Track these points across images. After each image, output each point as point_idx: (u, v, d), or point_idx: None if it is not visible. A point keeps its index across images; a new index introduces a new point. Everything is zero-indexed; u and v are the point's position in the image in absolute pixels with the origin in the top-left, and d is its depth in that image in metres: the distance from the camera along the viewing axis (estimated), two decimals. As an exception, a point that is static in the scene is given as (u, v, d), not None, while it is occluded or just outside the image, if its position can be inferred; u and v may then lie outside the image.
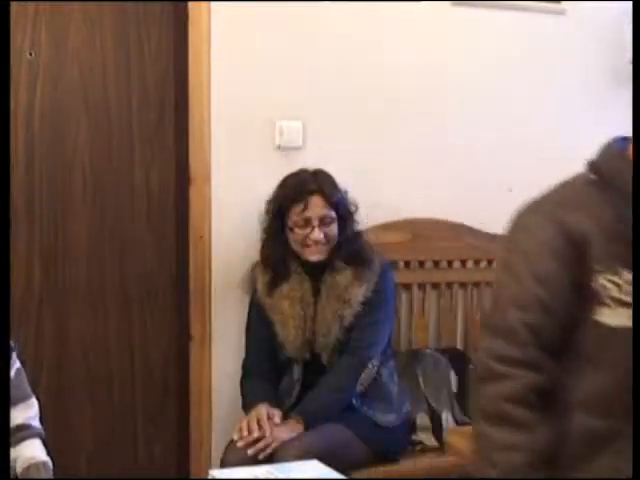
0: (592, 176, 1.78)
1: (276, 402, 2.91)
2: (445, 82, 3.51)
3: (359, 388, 2.91)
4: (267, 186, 3.09)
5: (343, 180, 3.20)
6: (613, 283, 1.65)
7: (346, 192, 3.03)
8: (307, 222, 2.93)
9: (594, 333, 1.65)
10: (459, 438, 2.56)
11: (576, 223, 1.68)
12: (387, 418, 2.94)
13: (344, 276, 2.94)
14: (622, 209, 1.67)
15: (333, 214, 2.97)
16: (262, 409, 2.83)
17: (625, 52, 3.54)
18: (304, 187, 2.96)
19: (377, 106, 3.41)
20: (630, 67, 3.46)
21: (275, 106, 3.27)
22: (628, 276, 1.63)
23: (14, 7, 2.96)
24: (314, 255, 2.94)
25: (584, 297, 1.65)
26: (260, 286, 3.01)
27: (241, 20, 3.21)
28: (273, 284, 2.98)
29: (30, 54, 3.09)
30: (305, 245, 2.94)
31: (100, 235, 3.20)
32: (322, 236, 2.93)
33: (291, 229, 2.95)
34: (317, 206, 2.94)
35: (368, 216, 3.24)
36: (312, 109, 3.32)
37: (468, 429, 2.54)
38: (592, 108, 3.74)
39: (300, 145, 3.30)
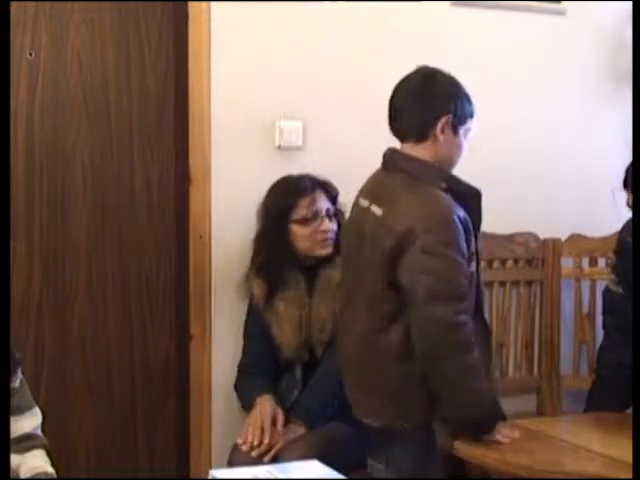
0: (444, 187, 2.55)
1: (278, 399, 2.92)
2: (445, 82, 3.51)
3: None
4: (267, 186, 3.09)
5: (343, 180, 3.20)
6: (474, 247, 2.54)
7: None
8: (315, 215, 2.95)
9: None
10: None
11: (460, 214, 2.48)
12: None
13: (338, 270, 2.94)
14: (466, 204, 2.54)
15: (334, 209, 3.00)
16: (266, 406, 2.84)
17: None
18: (307, 183, 2.99)
19: (377, 106, 3.39)
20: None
21: (275, 106, 3.27)
22: (473, 241, 2.53)
23: (14, 7, 2.96)
24: (325, 249, 2.96)
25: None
26: (256, 290, 3.01)
27: (241, 20, 3.21)
28: (269, 287, 2.98)
29: (30, 54, 3.09)
30: (314, 240, 2.94)
31: (100, 235, 3.20)
32: (329, 228, 2.94)
33: (300, 223, 2.94)
34: (323, 199, 2.99)
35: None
36: (312, 109, 3.32)
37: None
38: (592, 108, 3.74)
39: (300, 145, 3.30)
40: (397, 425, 2.57)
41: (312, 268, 2.98)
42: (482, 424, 2.49)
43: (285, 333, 2.94)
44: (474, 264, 2.57)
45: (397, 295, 2.50)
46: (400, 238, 2.46)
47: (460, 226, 2.47)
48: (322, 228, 2.94)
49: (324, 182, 3.04)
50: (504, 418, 2.56)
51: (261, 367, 3.01)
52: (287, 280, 2.97)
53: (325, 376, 2.92)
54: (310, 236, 2.94)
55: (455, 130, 2.59)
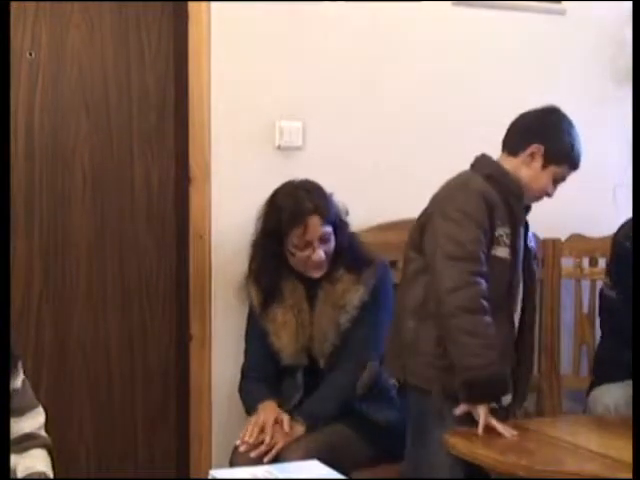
0: (487, 174, 2.68)
1: (280, 403, 2.91)
2: (445, 82, 3.51)
3: (359, 391, 2.90)
4: (267, 186, 3.08)
5: (342, 180, 3.20)
6: (504, 233, 2.63)
7: (331, 195, 2.99)
8: (308, 244, 2.90)
9: (488, 260, 2.59)
10: (459, 438, 2.55)
11: (490, 196, 2.62)
12: (387, 417, 2.94)
13: (342, 282, 2.93)
14: (506, 195, 2.67)
15: (330, 229, 2.94)
16: (270, 411, 2.84)
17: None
18: (300, 208, 2.90)
19: (377, 106, 3.41)
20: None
21: (275, 106, 3.27)
22: (507, 229, 2.64)
23: (14, 7, 2.96)
24: (317, 273, 2.94)
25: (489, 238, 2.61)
26: (253, 297, 3.00)
27: (241, 20, 3.21)
28: (264, 295, 2.97)
29: (30, 54, 3.09)
30: (306, 265, 2.92)
31: (100, 235, 3.20)
32: (323, 255, 2.92)
33: (291, 252, 2.92)
34: (316, 226, 2.90)
35: (368, 216, 3.24)
36: (312, 109, 3.32)
37: (468, 429, 2.55)
38: (592, 108, 3.74)
39: (300, 145, 3.30)
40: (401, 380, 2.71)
41: (313, 279, 2.97)
42: (476, 389, 2.51)
43: (282, 341, 2.93)
44: (505, 250, 2.64)
45: (421, 257, 2.67)
46: (431, 207, 2.69)
47: (483, 204, 2.60)
48: (314, 258, 2.91)
49: (321, 202, 2.94)
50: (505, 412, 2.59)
51: (262, 371, 3.00)
52: (283, 288, 2.96)
53: (334, 386, 2.90)
54: (303, 262, 2.93)
55: (545, 165, 2.72)
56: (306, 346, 2.94)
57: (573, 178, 3.68)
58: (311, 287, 2.97)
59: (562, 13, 3.67)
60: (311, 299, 2.96)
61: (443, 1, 3.48)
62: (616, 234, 3.08)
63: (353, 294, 2.92)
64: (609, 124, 3.77)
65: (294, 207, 2.91)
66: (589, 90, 3.75)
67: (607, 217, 3.50)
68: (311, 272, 2.95)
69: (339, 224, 2.98)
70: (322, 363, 2.94)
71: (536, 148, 2.70)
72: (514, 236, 2.67)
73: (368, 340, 2.92)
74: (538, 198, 2.80)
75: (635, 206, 3.00)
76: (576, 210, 3.68)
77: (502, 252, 2.64)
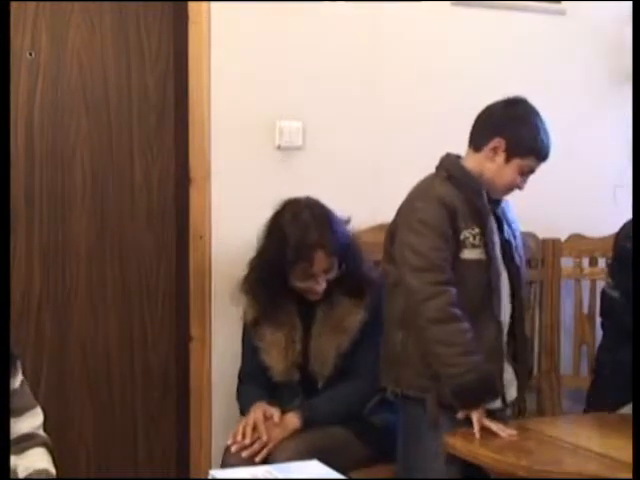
0: (447, 176, 2.69)
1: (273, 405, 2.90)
2: (445, 82, 3.51)
3: (365, 412, 2.90)
4: (267, 186, 3.09)
5: (342, 180, 3.20)
6: (470, 234, 2.62)
7: (342, 221, 2.92)
8: (311, 276, 2.86)
9: (458, 265, 2.61)
10: (458, 438, 2.55)
11: (450, 200, 2.61)
12: (383, 418, 2.93)
13: (343, 306, 2.89)
14: (468, 194, 2.64)
15: (335, 260, 2.87)
16: (258, 409, 2.83)
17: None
18: (306, 243, 2.80)
19: (377, 106, 3.41)
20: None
21: (275, 106, 3.27)
22: (475, 230, 2.62)
23: (14, 7, 2.96)
24: (315, 297, 2.91)
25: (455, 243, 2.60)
26: (247, 311, 2.97)
27: (241, 20, 3.21)
28: (258, 313, 2.93)
29: (30, 54, 3.09)
30: (306, 291, 2.89)
31: (100, 235, 3.20)
32: (325, 285, 2.88)
33: (292, 282, 2.88)
34: (321, 261, 2.83)
35: (368, 216, 3.24)
36: (312, 109, 3.32)
37: (467, 430, 2.55)
38: (592, 108, 3.74)
39: (300, 145, 3.30)
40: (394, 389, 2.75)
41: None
42: (462, 397, 2.55)
43: (272, 359, 2.90)
44: (474, 252, 2.64)
45: (395, 268, 2.68)
46: (397, 217, 2.72)
47: (443, 210, 2.60)
48: (315, 289, 2.87)
49: (328, 234, 2.84)
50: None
51: (257, 379, 2.97)
52: (276, 307, 2.91)
53: (343, 402, 2.88)
54: (303, 289, 2.89)
55: (508, 158, 2.68)
56: (298, 363, 2.90)
57: (574, 178, 3.71)
58: (307, 305, 2.93)
59: (562, 13, 3.67)
60: (306, 316, 2.93)
61: (442, 1, 3.48)
62: (617, 235, 3.08)
63: (354, 317, 2.88)
64: (609, 124, 3.77)
65: (300, 240, 2.81)
66: (589, 90, 3.75)
67: (607, 217, 3.50)
68: (309, 296, 2.92)
69: (346, 250, 2.90)
70: (321, 384, 2.91)
71: (498, 142, 2.67)
72: (484, 235, 2.64)
73: (371, 361, 2.86)
74: (506, 192, 2.76)
75: (635, 206, 3.00)
76: (576, 210, 3.68)
77: (472, 254, 2.63)
